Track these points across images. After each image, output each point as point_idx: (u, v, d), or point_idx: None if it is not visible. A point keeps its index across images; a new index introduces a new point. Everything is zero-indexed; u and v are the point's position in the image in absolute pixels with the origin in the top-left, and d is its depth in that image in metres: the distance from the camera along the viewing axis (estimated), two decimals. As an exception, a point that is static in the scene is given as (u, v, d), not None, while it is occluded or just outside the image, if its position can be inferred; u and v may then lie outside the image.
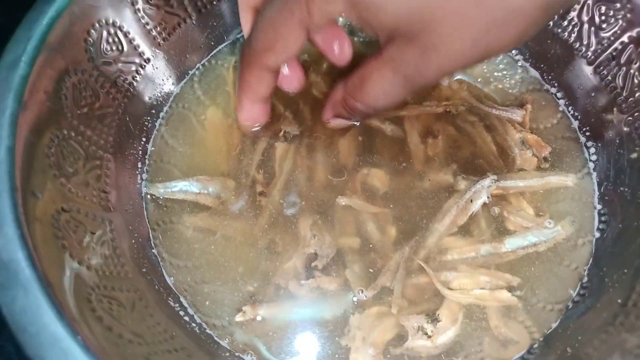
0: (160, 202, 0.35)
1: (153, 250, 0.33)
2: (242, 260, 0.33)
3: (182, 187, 0.35)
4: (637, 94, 0.35)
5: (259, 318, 0.31)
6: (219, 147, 0.37)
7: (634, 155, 0.35)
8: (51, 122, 0.29)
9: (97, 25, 0.32)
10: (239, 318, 0.31)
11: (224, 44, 0.40)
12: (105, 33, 0.33)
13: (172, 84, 0.38)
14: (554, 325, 0.32)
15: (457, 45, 0.24)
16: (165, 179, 0.35)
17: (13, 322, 0.22)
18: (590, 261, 0.33)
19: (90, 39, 0.32)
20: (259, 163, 0.36)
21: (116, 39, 0.34)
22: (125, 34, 0.35)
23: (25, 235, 0.23)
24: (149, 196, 0.35)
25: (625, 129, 0.35)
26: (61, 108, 0.30)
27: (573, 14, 0.37)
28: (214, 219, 0.34)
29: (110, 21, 0.33)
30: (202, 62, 0.40)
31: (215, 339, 0.31)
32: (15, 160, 0.25)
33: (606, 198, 0.35)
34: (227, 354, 0.31)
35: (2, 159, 0.25)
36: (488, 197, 0.35)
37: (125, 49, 0.35)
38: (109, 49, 0.33)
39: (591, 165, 0.36)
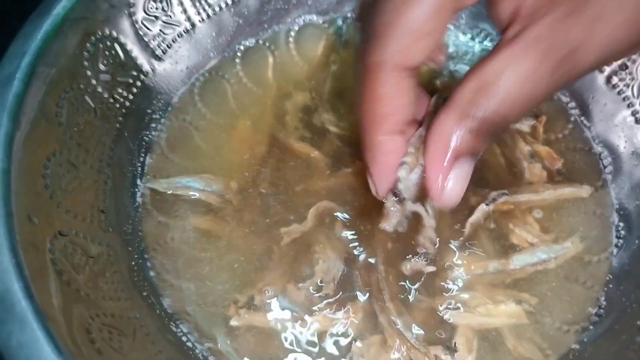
0: (160, 220, 0.33)
1: (152, 272, 0.31)
2: (243, 274, 0.32)
3: (186, 183, 0.34)
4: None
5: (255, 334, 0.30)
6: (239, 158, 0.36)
7: (650, 168, 0.34)
8: (47, 141, 0.28)
9: (94, 38, 0.31)
10: (233, 322, 0.31)
11: (225, 55, 0.39)
12: (102, 46, 0.32)
13: (172, 96, 0.37)
14: (570, 348, 0.31)
15: (621, 17, 0.21)
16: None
17: (10, 358, 0.21)
18: (607, 279, 0.32)
19: (86, 53, 0.31)
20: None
21: (113, 52, 0.33)
22: (123, 46, 0.33)
23: (21, 264, 0.22)
24: (149, 207, 0.34)
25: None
26: (57, 126, 0.28)
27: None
28: (217, 222, 0.33)
29: (107, 33, 0.32)
30: (203, 74, 0.38)
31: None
32: (10, 183, 0.24)
33: (622, 212, 0.34)
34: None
35: (-4, 183, 0.24)
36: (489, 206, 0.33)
37: (123, 61, 0.33)
38: (106, 62, 0.32)
39: (606, 177, 0.35)
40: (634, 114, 0.35)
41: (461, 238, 0.33)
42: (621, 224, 0.34)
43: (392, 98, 0.24)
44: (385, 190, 0.27)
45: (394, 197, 0.27)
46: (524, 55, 0.21)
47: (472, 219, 0.33)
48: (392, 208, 0.27)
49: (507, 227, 0.34)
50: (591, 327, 0.31)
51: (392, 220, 0.28)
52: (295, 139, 0.37)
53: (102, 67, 0.32)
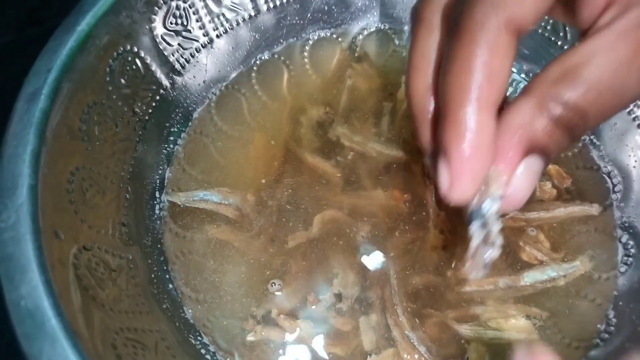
0: (178, 233, 0.34)
1: (171, 285, 0.32)
2: (260, 287, 0.33)
3: (203, 196, 0.34)
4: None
5: (272, 348, 0.31)
6: (255, 172, 0.36)
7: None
8: (71, 156, 0.28)
9: (116, 53, 0.32)
10: (250, 337, 0.31)
11: (242, 69, 0.40)
12: (123, 61, 0.32)
13: (190, 110, 0.38)
14: (581, 365, 0.31)
15: None
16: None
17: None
18: (615, 297, 0.33)
19: (108, 68, 0.31)
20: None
21: (134, 67, 0.33)
22: (143, 61, 0.34)
23: (50, 281, 0.23)
24: (167, 219, 0.34)
25: (649, 160, 0.35)
26: (80, 141, 0.29)
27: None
28: (235, 234, 0.34)
29: (129, 49, 0.33)
30: (220, 88, 0.39)
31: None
32: (37, 199, 0.25)
33: (631, 231, 0.35)
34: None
35: (24, 199, 0.24)
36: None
37: (143, 76, 0.34)
38: (127, 77, 0.33)
39: (614, 196, 0.36)
40: (643, 133, 0.35)
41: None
42: (630, 242, 0.34)
43: (493, 65, 0.19)
44: (468, 189, 0.20)
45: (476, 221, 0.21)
46: (620, 40, 0.18)
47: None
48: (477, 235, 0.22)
49: (517, 244, 0.34)
50: (601, 343, 0.32)
51: (479, 257, 0.23)
52: (309, 152, 0.37)
53: (123, 81, 0.33)
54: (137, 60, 0.34)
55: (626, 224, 0.35)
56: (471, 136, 0.19)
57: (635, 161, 0.36)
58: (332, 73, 0.41)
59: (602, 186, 0.36)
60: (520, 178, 0.20)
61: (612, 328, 0.32)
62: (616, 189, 0.36)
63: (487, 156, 0.20)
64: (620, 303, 0.33)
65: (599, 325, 0.32)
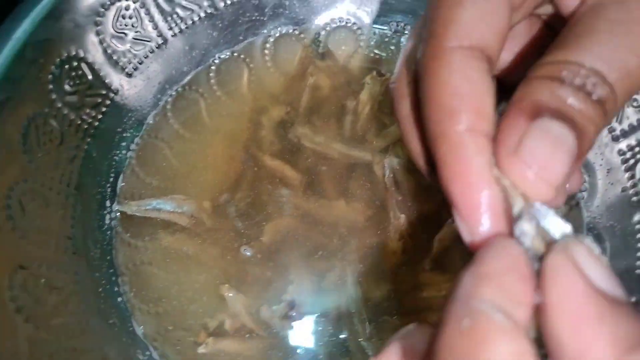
0: (131, 242, 0.33)
1: (120, 298, 0.31)
2: (214, 297, 0.32)
3: (157, 205, 0.34)
4: (629, 122, 0.33)
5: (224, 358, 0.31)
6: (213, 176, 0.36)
7: (624, 187, 0.33)
8: (8, 170, 0.27)
9: (59, 60, 0.31)
10: (201, 350, 0.31)
11: (200, 68, 0.39)
12: (67, 67, 0.31)
13: (144, 113, 0.37)
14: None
15: None
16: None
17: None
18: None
19: (51, 76, 0.30)
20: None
21: (80, 72, 0.32)
22: (91, 66, 0.33)
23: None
24: (119, 229, 0.33)
25: (615, 159, 0.34)
26: (20, 154, 0.28)
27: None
28: (190, 242, 0.33)
29: (73, 54, 0.32)
30: (176, 89, 0.38)
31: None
32: (-34, 220, 0.24)
33: (595, 232, 0.34)
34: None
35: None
36: None
37: (91, 81, 0.33)
38: (72, 83, 0.32)
39: (580, 195, 0.35)
40: (610, 131, 0.34)
41: (430, 256, 0.33)
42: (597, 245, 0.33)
43: (464, 87, 0.17)
44: (476, 211, 0.16)
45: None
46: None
47: (440, 235, 0.33)
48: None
49: (479, 248, 0.33)
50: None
51: None
52: (269, 155, 0.36)
53: (68, 88, 0.32)
54: (84, 66, 0.32)
55: (590, 225, 0.34)
56: (457, 162, 0.16)
57: (602, 159, 0.35)
58: (294, 71, 0.40)
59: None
60: (535, 142, 0.16)
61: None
62: (582, 187, 0.35)
63: (481, 174, 0.16)
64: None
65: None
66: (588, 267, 0.14)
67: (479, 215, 0.16)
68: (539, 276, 0.14)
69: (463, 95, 0.17)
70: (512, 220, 0.16)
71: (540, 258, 0.15)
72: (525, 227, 0.15)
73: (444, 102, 0.17)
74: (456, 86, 0.17)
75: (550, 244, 0.15)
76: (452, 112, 0.17)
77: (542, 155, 0.16)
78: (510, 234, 0.16)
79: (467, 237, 0.17)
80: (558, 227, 0.15)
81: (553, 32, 0.20)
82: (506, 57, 0.21)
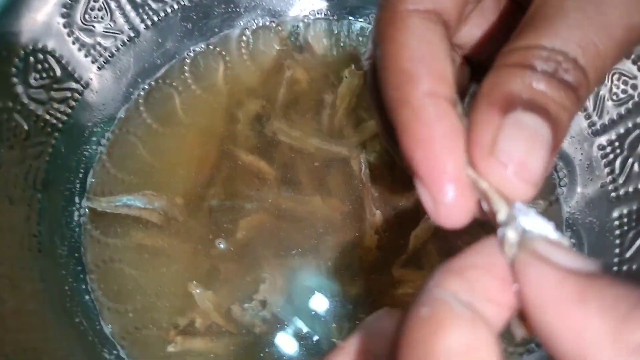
0: (100, 239, 0.32)
1: (88, 296, 0.31)
2: (186, 295, 0.31)
3: (127, 201, 0.33)
4: (609, 117, 0.33)
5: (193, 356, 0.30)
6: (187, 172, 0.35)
7: (604, 183, 0.33)
8: (-32, 166, 0.27)
9: (23, 53, 0.30)
10: (170, 348, 0.30)
11: (174, 62, 0.38)
12: (32, 60, 0.30)
13: (116, 108, 0.36)
14: (514, 371, 0.30)
15: None
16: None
17: None
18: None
19: (14, 69, 0.29)
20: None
21: (46, 66, 0.31)
22: (58, 59, 0.32)
23: None
24: (88, 226, 0.33)
25: (595, 154, 0.33)
26: (-19, 150, 0.27)
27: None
28: (162, 239, 0.33)
29: (39, 47, 0.31)
30: (149, 83, 0.37)
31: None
32: None
33: (574, 228, 0.33)
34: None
35: None
36: None
37: (59, 75, 0.32)
38: (38, 77, 0.31)
39: (560, 191, 0.35)
40: (590, 125, 0.34)
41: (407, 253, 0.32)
42: (573, 241, 0.33)
43: (423, 50, 0.16)
44: (445, 186, 0.15)
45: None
46: None
47: (416, 231, 0.32)
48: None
49: (455, 242, 0.33)
50: (536, 348, 0.31)
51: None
52: (245, 150, 0.36)
53: (34, 82, 0.31)
54: (51, 59, 0.32)
55: (569, 221, 0.33)
56: (419, 130, 0.16)
57: (582, 154, 0.34)
58: (271, 64, 0.39)
59: (548, 181, 0.35)
60: (511, 139, 0.15)
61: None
62: (562, 182, 0.35)
63: (448, 143, 0.16)
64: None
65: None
66: (552, 253, 0.13)
67: (443, 181, 0.15)
68: None
69: (422, 58, 0.16)
70: (493, 217, 0.15)
71: None
72: (507, 229, 0.14)
73: (402, 67, 0.16)
74: (414, 49, 0.16)
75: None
76: (411, 76, 0.16)
77: (520, 153, 0.15)
78: (480, 210, 0.15)
79: (430, 208, 0.16)
80: (539, 226, 0.14)
81: (521, 8, 0.19)
82: (475, 33, 0.21)
